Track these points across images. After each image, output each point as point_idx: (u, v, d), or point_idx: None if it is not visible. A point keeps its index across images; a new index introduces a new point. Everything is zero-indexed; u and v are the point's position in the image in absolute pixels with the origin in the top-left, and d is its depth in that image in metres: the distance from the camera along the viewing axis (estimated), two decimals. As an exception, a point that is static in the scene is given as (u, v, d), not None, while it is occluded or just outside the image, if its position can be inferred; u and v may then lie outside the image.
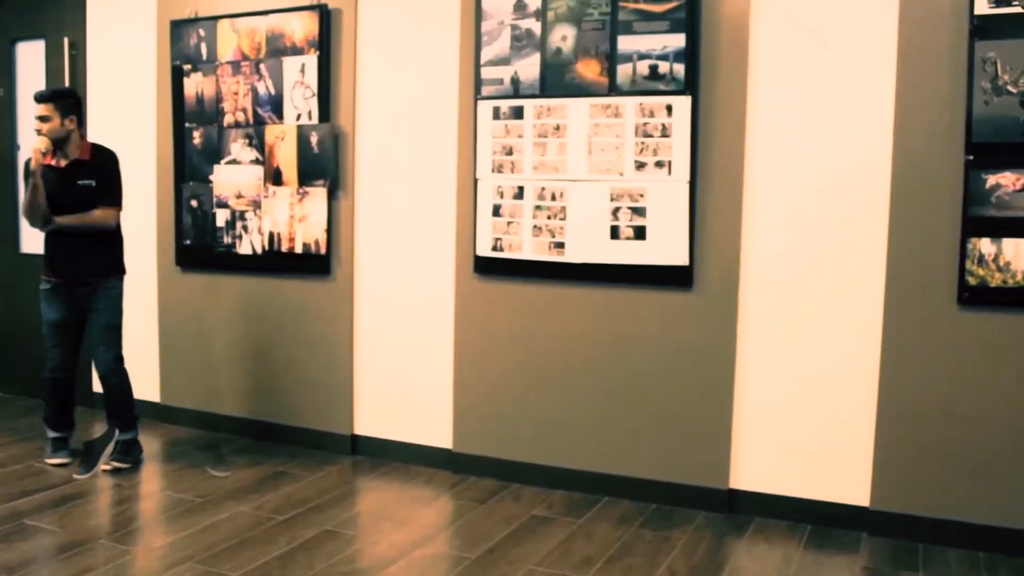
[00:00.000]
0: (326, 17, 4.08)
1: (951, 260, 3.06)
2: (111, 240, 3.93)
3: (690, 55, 3.36)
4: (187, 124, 4.48)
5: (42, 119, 3.71)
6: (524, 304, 3.75)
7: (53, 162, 3.74)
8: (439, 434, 4.00)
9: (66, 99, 3.78)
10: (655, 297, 3.52)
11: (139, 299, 4.74)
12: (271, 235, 4.29)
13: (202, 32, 4.39)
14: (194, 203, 4.50)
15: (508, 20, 3.67)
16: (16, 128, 5.14)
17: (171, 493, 3.66)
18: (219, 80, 4.37)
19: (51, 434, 4.06)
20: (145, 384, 4.78)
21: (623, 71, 3.47)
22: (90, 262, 3.86)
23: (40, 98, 3.74)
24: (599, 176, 3.55)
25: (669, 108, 3.41)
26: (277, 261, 4.29)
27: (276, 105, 4.22)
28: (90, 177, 3.80)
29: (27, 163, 3.75)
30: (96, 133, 4.83)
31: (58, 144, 3.74)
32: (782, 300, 3.35)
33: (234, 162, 4.37)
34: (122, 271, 3.99)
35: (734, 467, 3.45)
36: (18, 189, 5.15)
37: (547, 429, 3.75)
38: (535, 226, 3.69)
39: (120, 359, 3.98)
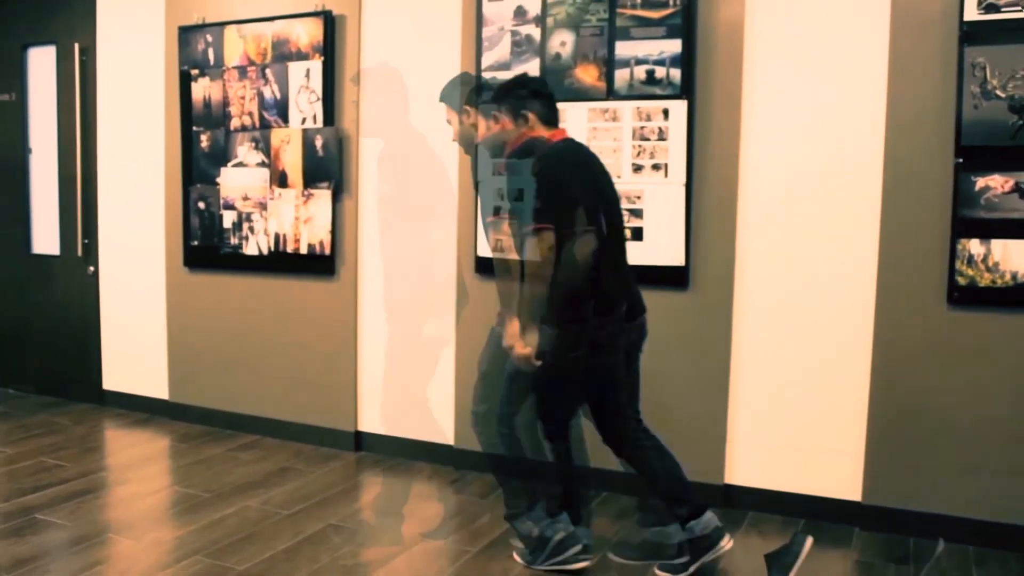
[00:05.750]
0: (331, 23, 4.15)
1: (941, 261, 3.11)
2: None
3: (686, 60, 3.42)
4: (195, 128, 4.56)
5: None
6: (524, 304, 3.80)
7: None
8: (441, 430, 4.06)
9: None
10: (652, 297, 3.54)
11: (148, 299, 4.82)
12: (277, 236, 4.37)
13: (209, 38, 4.46)
14: (201, 205, 4.57)
15: (508, 26, 3.73)
16: (27, 132, 5.20)
17: (178, 488, 3.73)
18: (226, 85, 4.44)
19: (577, 547, 2.94)
20: (154, 382, 4.86)
21: (621, 76, 3.53)
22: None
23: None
24: (597, 178, 3.61)
25: (666, 112, 3.47)
26: (283, 261, 4.36)
27: (282, 109, 4.30)
28: None
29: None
30: (105, 137, 4.92)
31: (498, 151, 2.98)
32: (776, 299, 3.41)
33: (241, 165, 4.44)
34: (559, 323, 2.75)
35: (729, 463, 3.51)
36: (30, 191, 5.24)
37: (547, 426, 3.80)
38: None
39: (545, 437, 2.95)
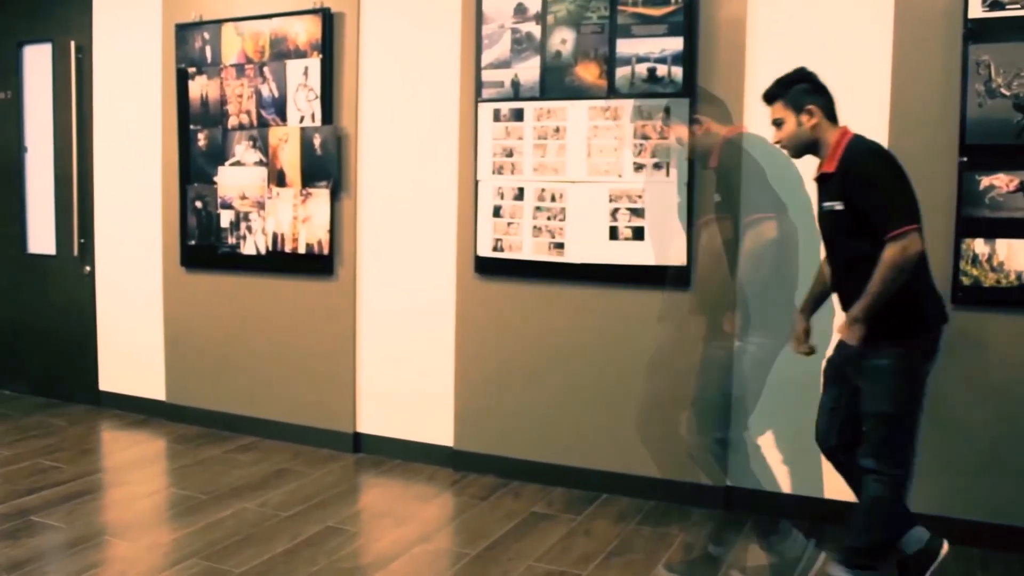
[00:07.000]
0: (329, 21, 4.12)
1: (945, 260, 3.09)
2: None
3: (688, 58, 3.40)
4: (192, 126, 4.53)
5: (775, 123, 2.70)
6: (524, 304, 3.79)
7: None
8: (440, 432, 4.04)
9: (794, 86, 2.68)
10: (654, 297, 3.55)
11: (145, 299, 4.80)
12: (275, 236, 4.34)
13: (207, 35, 4.43)
14: (199, 204, 4.55)
15: (508, 24, 3.71)
16: (23, 131, 5.18)
17: (176, 490, 3.71)
18: (223, 83, 4.41)
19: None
20: (151, 383, 4.83)
21: (622, 74, 3.51)
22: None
23: (766, 97, 2.72)
24: (598, 177, 3.59)
25: (667, 110, 3.44)
26: (281, 261, 4.33)
27: (280, 107, 4.27)
28: (837, 197, 2.57)
29: None
30: (102, 136, 4.89)
31: (803, 152, 2.73)
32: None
33: (238, 164, 4.42)
34: (898, 337, 2.54)
35: (731, 465, 3.48)
36: (26, 190, 5.21)
37: (547, 427, 3.79)
38: (535, 227, 3.73)
39: (877, 472, 2.59)
